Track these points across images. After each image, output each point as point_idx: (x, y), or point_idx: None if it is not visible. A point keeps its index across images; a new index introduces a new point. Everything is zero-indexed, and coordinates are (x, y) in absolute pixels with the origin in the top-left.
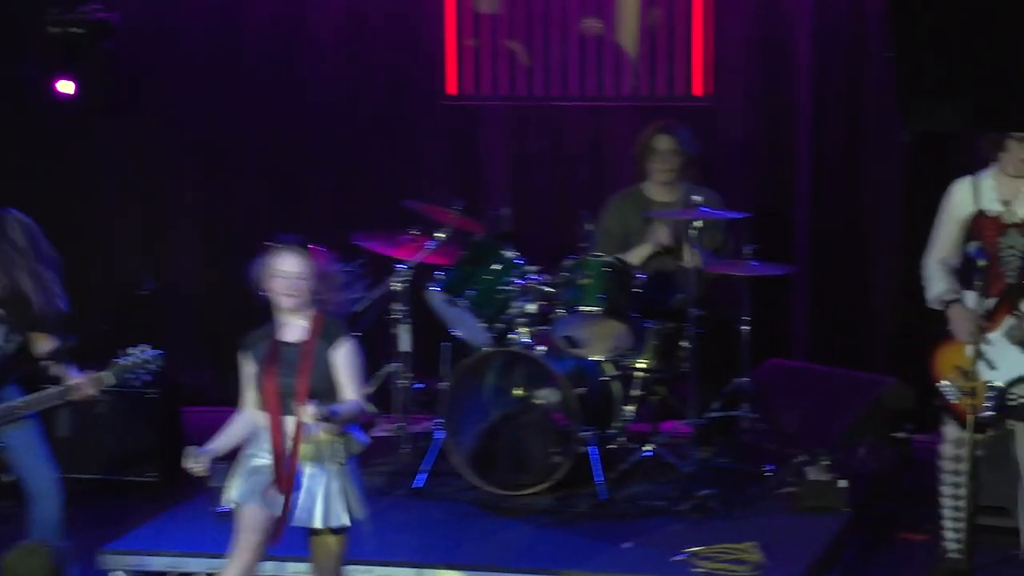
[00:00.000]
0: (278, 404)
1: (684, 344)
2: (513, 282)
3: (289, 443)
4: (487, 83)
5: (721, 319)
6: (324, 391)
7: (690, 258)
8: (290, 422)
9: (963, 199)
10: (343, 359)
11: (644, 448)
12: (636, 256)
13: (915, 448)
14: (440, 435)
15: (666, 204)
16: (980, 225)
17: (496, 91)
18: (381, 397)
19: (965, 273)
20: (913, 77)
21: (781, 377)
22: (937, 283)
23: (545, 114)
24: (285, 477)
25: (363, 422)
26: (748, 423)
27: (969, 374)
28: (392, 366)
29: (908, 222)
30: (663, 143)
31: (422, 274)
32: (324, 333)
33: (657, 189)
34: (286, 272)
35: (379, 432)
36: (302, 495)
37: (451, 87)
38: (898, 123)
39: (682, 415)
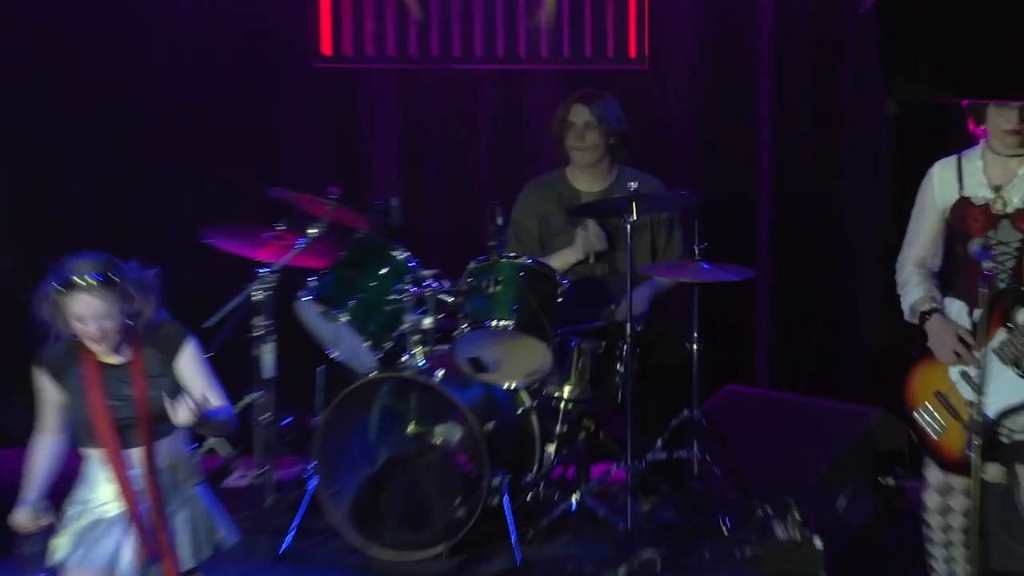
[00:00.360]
0: (116, 439)
1: (619, 368)
2: (405, 290)
3: (141, 484)
4: (371, 42)
5: (665, 336)
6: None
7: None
8: (135, 456)
9: (946, 183)
10: (189, 366)
11: (570, 499)
12: (558, 262)
13: (908, 497)
14: (313, 483)
15: (594, 194)
16: (965, 215)
17: (382, 52)
18: (239, 435)
19: (948, 276)
20: (897, 40)
21: (741, 408)
22: (913, 290)
23: (444, 81)
24: (160, 539)
25: (227, 434)
26: (700, 467)
27: (955, 402)
28: (253, 396)
29: (896, 214)
30: (579, 116)
31: (291, 280)
32: (155, 342)
33: (582, 175)
34: (85, 314)
35: (235, 480)
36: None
37: (326, 46)
38: (881, 92)
39: (617, 457)
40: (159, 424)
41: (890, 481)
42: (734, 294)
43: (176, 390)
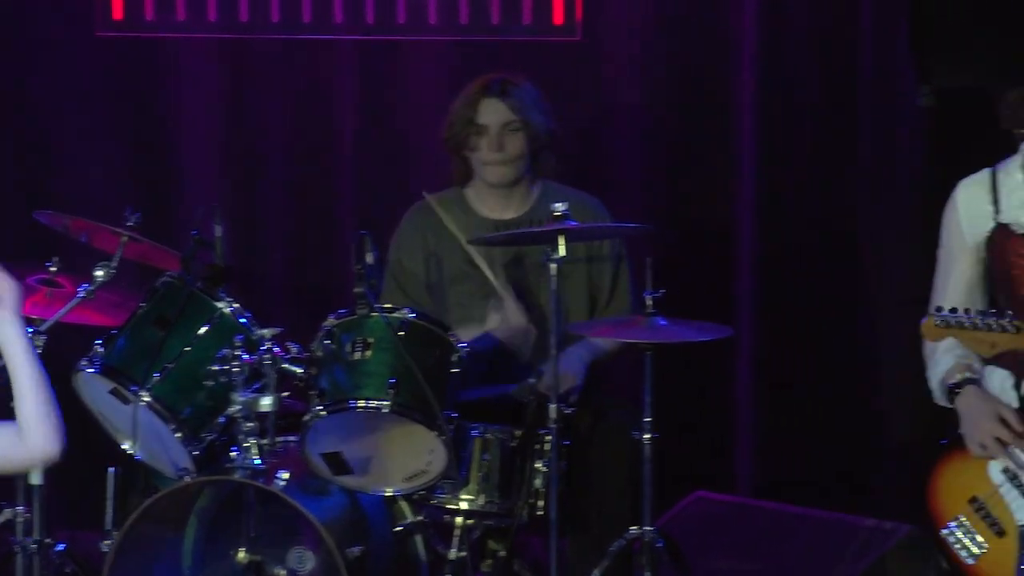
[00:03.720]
0: None
1: (540, 466)
2: (234, 358)
3: None
4: (183, 2)
5: (606, 422)
6: None
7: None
8: None
9: (976, 209)
10: None
11: None
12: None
13: None
14: None
15: (505, 222)
16: (1005, 249)
17: (199, 16)
18: None
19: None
20: (933, 15)
21: (713, 524)
22: (943, 357)
23: (288, 57)
24: None
25: None
26: None
27: (997, 512)
28: (11, 511)
29: (934, 249)
30: (494, 114)
31: (67, 345)
32: None
33: (491, 197)
34: None
35: None
36: None
37: (117, 7)
38: (910, 80)
39: None
40: None
41: None
42: (703, 362)
43: None
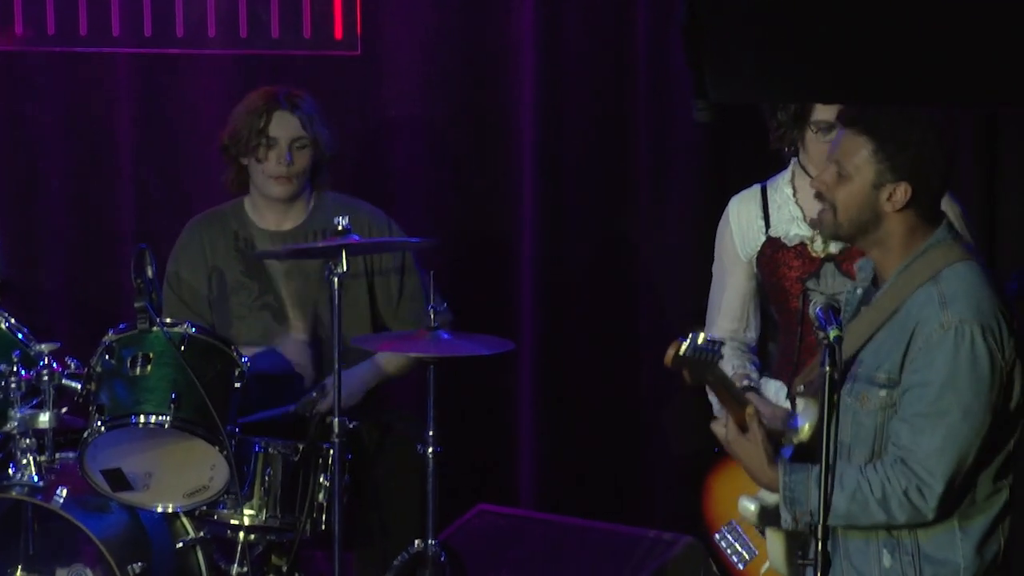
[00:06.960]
0: None
1: (323, 481)
2: (10, 374)
3: None
4: None
5: (390, 436)
6: None
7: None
8: None
9: (748, 223)
10: None
11: None
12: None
13: None
14: None
15: (282, 233)
16: (775, 261)
17: None
18: None
19: (766, 349)
20: (707, 31)
21: (496, 536)
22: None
23: (65, 70)
24: None
25: None
26: None
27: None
28: None
29: (708, 260)
30: (286, 128)
31: None
32: None
33: (268, 209)
34: None
35: None
36: None
37: None
38: (686, 95)
39: None
40: None
41: None
42: (486, 375)
43: None
